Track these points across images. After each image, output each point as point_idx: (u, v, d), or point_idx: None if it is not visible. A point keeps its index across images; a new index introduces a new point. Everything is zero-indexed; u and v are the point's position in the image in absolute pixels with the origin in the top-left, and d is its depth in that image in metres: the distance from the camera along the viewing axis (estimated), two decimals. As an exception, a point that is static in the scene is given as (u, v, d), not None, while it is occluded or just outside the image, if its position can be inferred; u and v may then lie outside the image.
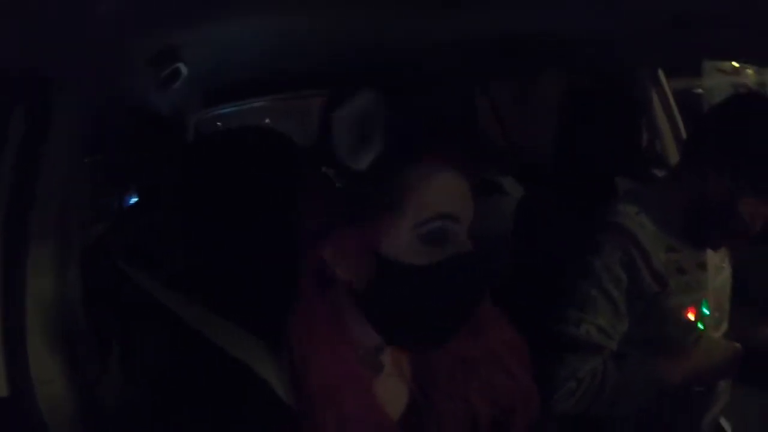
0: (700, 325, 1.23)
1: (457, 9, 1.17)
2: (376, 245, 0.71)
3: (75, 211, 1.08)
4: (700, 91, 3.22)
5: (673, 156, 1.71)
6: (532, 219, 1.46)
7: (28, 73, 0.95)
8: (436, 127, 0.76)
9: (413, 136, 0.72)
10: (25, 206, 0.99)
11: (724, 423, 1.41)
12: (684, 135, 1.73)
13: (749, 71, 2.62)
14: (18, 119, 0.98)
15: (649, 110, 1.62)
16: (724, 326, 1.32)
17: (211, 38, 1.23)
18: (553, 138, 1.42)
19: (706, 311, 1.24)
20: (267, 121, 3.21)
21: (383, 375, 0.80)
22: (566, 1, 1.18)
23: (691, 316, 1.22)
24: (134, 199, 1.26)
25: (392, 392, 0.81)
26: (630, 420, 1.25)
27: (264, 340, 0.75)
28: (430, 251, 0.71)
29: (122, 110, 1.24)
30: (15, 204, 0.99)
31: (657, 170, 1.50)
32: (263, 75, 1.48)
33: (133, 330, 1.16)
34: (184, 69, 1.28)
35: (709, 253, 1.28)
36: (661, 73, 1.65)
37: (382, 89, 0.72)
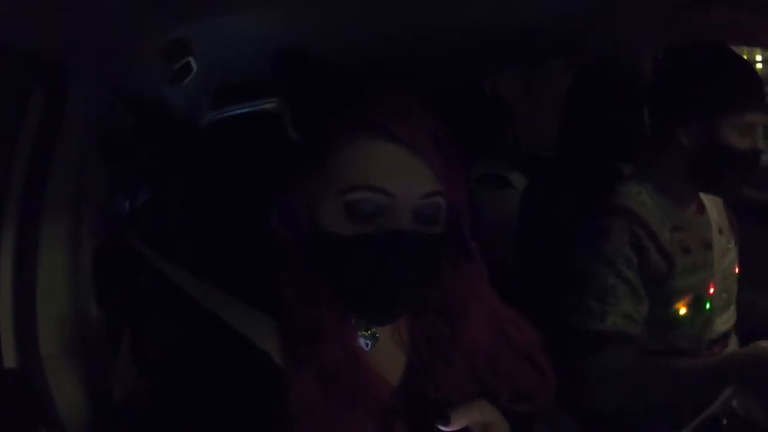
0: (707, 305, 1.23)
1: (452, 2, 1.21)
2: (311, 211, 0.72)
3: (88, 192, 1.11)
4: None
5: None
6: (535, 207, 1.47)
7: (46, 55, 1.00)
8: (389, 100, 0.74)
9: (344, 104, 0.73)
10: (40, 183, 1.02)
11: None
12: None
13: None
14: (37, 100, 1.02)
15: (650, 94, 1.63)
16: (732, 309, 1.31)
17: (221, 33, 1.28)
18: (557, 126, 1.44)
19: (711, 291, 1.23)
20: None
21: (379, 344, 0.80)
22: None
23: (698, 296, 1.22)
24: (144, 187, 1.29)
25: (390, 360, 0.82)
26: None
27: (265, 312, 0.76)
28: (358, 223, 0.70)
29: (133, 105, 1.28)
30: (31, 180, 1.02)
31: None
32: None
33: (144, 311, 1.18)
34: (194, 64, 1.32)
35: (715, 233, 1.27)
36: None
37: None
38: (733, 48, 1.22)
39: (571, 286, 1.20)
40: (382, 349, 0.81)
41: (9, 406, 0.98)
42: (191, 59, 1.31)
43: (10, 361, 1.00)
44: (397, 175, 0.70)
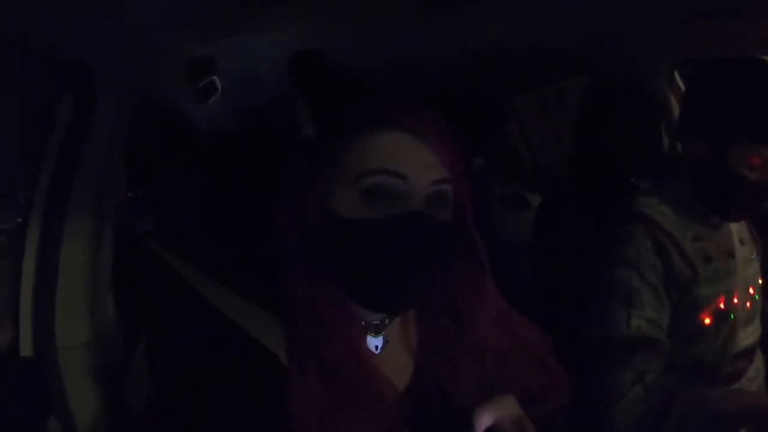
0: (731, 315, 1.19)
1: (462, 14, 1.26)
2: (326, 204, 0.75)
3: (110, 193, 1.16)
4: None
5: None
6: (550, 223, 1.46)
7: (77, 63, 1.08)
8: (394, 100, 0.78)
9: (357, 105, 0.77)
10: (66, 183, 1.09)
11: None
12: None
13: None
14: (67, 104, 1.10)
15: (666, 111, 1.64)
16: (757, 322, 1.26)
17: (245, 52, 1.36)
18: (572, 145, 1.45)
19: (736, 300, 1.20)
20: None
21: (388, 346, 0.81)
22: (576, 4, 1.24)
23: (722, 306, 1.18)
24: (162, 190, 1.35)
25: (398, 363, 0.82)
26: None
27: (274, 313, 0.79)
28: (375, 208, 0.72)
29: (158, 114, 1.36)
30: (57, 179, 1.09)
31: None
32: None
33: (158, 311, 1.21)
34: (218, 83, 1.40)
35: (737, 243, 1.25)
36: (676, 74, 1.67)
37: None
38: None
39: (594, 296, 1.18)
40: (391, 353, 0.82)
41: (21, 392, 1.01)
42: (216, 78, 1.38)
43: (26, 350, 1.04)
44: (411, 161, 0.73)
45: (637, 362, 1.10)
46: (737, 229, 1.28)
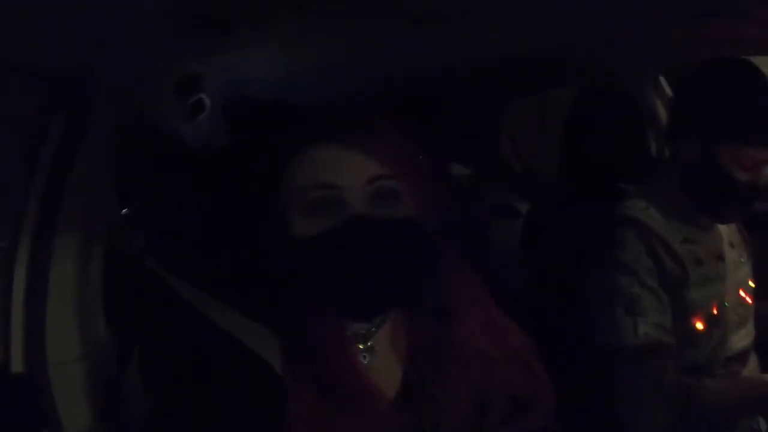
0: (722, 318, 1.19)
1: (449, 27, 1.28)
2: (285, 223, 0.76)
3: (101, 209, 1.18)
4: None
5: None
6: (538, 230, 1.46)
7: (68, 79, 1.10)
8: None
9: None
10: (56, 198, 1.10)
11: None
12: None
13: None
14: (59, 120, 1.11)
15: (653, 116, 1.65)
16: (750, 325, 1.26)
17: (230, 70, 1.38)
18: (559, 150, 1.46)
19: (726, 304, 1.20)
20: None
21: (377, 355, 0.81)
22: (560, 12, 1.25)
23: (714, 311, 1.18)
24: (153, 206, 1.37)
25: (387, 372, 0.82)
26: None
27: (268, 325, 0.80)
28: (319, 223, 0.73)
29: (150, 132, 1.38)
30: (48, 194, 1.09)
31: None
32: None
33: (152, 325, 1.22)
34: (207, 101, 1.42)
35: (726, 246, 1.25)
36: (662, 79, 1.68)
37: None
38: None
39: (595, 303, 1.17)
40: (381, 361, 0.82)
41: (13, 408, 1.02)
42: (203, 96, 1.40)
43: (18, 365, 1.04)
44: (341, 169, 0.74)
45: (651, 369, 1.09)
46: (727, 232, 1.28)
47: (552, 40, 1.41)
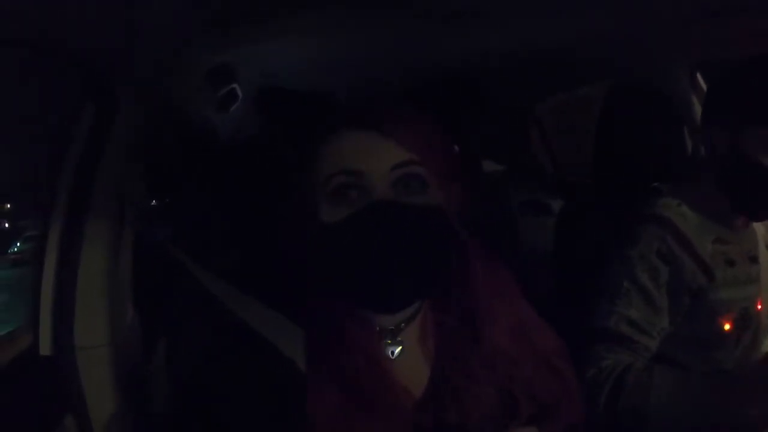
0: (754, 322, 1.15)
1: (476, 22, 1.26)
2: (314, 211, 0.77)
3: (131, 198, 1.19)
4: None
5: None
6: (571, 227, 1.43)
7: (97, 72, 1.11)
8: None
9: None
10: (86, 187, 1.11)
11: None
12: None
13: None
14: (90, 109, 1.13)
15: (689, 113, 1.60)
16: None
17: (262, 60, 1.38)
18: (594, 149, 1.42)
19: (759, 307, 1.16)
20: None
21: (405, 353, 0.81)
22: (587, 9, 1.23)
23: (745, 311, 1.14)
24: (183, 198, 1.38)
25: (414, 371, 0.81)
26: None
27: (292, 320, 0.80)
28: (344, 209, 0.73)
29: (180, 123, 1.39)
30: (78, 183, 1.11)
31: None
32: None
33: (178, 317, 1.23)
34: (239, 91, 1.42)
35: (762, 248, 1.21)
36: (699, 76, 1.63)
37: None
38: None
39: (593, 291, 1.18)
40: (408, 359, 0.81)
41: (39, 391, 1.04)
42: (236, 86, 1.40)
43: (45, 349, 1.06)
44: (367, 155, 0.74)
45: (599, 350, 1.11)
46: (763, 233, 1.24)
47: (587, 35, 1.38)
